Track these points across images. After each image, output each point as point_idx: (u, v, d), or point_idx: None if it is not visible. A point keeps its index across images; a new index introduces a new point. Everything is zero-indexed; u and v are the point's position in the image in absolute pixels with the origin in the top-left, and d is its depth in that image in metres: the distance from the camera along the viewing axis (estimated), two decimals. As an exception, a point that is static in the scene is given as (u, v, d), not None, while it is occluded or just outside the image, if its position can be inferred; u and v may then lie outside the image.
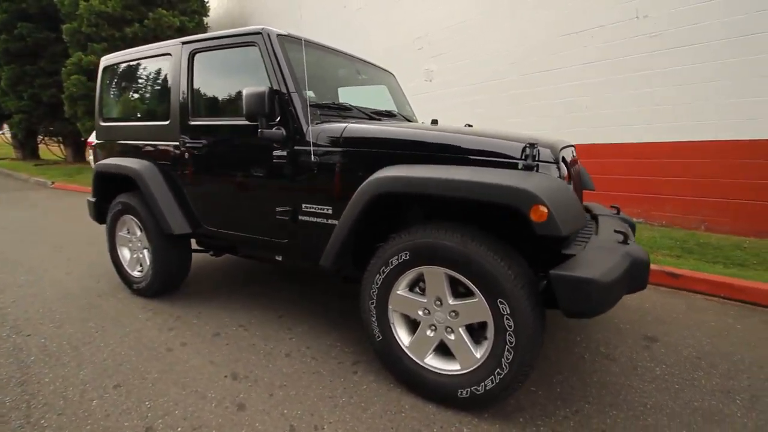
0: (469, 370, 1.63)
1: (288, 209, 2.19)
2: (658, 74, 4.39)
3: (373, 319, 1.83)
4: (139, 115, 2.90)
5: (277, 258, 2.49)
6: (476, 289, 1.56)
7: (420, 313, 1.75)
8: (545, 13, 5.24)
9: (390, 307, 1.80)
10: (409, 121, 2.90)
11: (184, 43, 2.54)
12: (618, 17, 4.61)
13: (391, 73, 3.41)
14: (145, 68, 2.84)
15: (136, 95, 2.94)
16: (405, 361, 1.78)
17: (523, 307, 1.47)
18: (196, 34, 11.76)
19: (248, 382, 1.92)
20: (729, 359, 2.10)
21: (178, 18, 10.50)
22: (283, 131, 2.11)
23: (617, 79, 4.68)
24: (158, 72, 2.74)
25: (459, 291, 1.67)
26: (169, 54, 2.61)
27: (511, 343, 1.50)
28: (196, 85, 2.51)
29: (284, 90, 2.11)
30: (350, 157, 1.96)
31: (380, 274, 1.77)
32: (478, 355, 1.62)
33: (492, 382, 1.56)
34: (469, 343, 1.64)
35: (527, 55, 5.45)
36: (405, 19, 7.18)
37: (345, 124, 2.03)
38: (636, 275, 1.57)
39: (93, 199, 3.17)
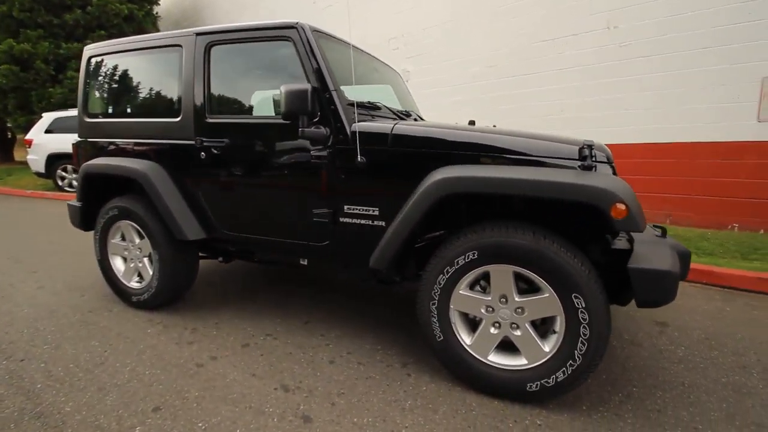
0: (537, 363, 1.69)
1: (327, 211, 2.11)
2: (627, 81, 4.78)
3: (434, 320, 1.82)
4: (138, 112, 2.65)
5: (301, 262, 2.41)
6: (548, 285, 1.61)
7: (483, 311, 1.77)
8: (522, 20, 5.50)
9: (451, 306, 1.81)
10: (422, 120, 2.91)
11: (198, 34, 2.35)
12: (590, 27, 4.96)
13: (396, 71, 3.40)
14: (145, 60, 2.59)
15: (133, 89, 2.68)
16: (468, 359, 1.80)
17: (597, 300, 1.54)
18: (146, 23, 10.97)
19: (302, 392, 1.83)
20: (733, 338, 2.35)
21: (126, 5, 9.69)
22: (324, 130, 2.03)
23: (590, 84, 5.03)
24: (164, 65, 2.52)
25: (521, 288, 1.72)
26: (179, 45, 2.41)
27: (584, 335, 1.57)
28: (213, 80, 2.34)
29: (324, 88, 2.04)
30: (401, 156, 1.94)
31: (444, 275, 1.77)
32: (546, 349, 1.67)
33: (564, 374, 1.63)
34: (536, 338, 1.69)
35: (505, 59, 5.68)
36: (378, 19, 7.19)
37: (392, 124, 2.01)
38: (683, 266, 1.72)
39: (78, 204, 2.85)
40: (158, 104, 2.56)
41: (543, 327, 1.74)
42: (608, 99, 4.89)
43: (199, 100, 2.35)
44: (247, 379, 1.93)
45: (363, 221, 2.06)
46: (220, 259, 2.74)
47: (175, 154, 2.47)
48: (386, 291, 3.04)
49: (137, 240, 2.68)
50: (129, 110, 2.68)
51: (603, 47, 4.86)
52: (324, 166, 2.08)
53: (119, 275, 2.79)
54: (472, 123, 2.53)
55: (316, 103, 2.00)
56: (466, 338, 1.82)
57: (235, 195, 2.35)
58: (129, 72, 2.68)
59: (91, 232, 2.86)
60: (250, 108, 2.31)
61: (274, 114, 2.31)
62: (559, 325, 1.63)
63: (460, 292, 1.78)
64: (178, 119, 2.43)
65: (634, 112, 4.76)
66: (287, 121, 2.05)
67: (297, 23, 2.10)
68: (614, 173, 1.77)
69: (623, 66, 4.75)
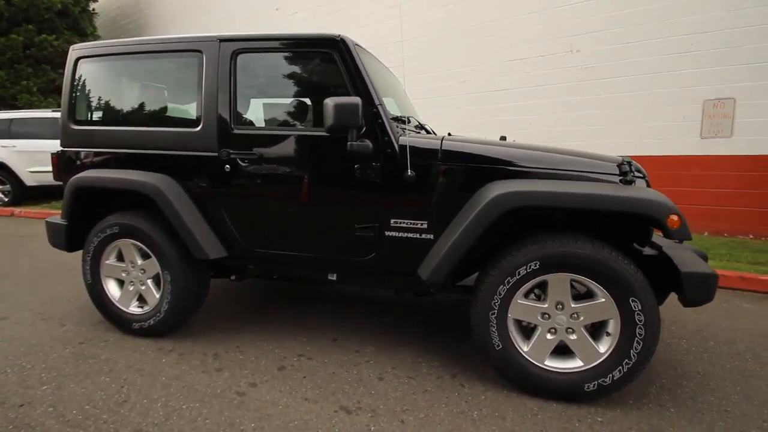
0: (593, 364, 1.80)
1: (373, 225, 2.09)
2: (588, 100, 5.27)
3: (494, 329, 1.87)
4: (143, 120, 2.41)
5: (329, 278, 2.35)
6: (605, 291, 1.74)
7: (539, 318, 1.86)
8: (492, 39, 5.85)
9: (509, 315, 1.87)
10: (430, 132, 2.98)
11: (222, 40, 2.22)
12: (555, 49, 5.41)
13: (398, 80, 3.45)
14: (154, 65, 2.38)
15: (137, 96, 2.44)
16: (527, 366, 1.87)
17: (651, 302, 1.70)
18: (82, 19, 9.96)
19: (366, 413, 1.78)
20: (719, 328, 2.68)
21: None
22: (369, 144, 2.02)
23: (556, 102, 5.47)
24: (178, 71, 2.33)
25: (573, 294, 1.84)
26: (199, 51, 2.25)
27: (640, 335, 1.72)
28: (240, 90, 2.22)
29: (371, 102, 2.03)
30: (452, 171, 1.98)
31: (504, 285, 1.83)
32: (602, 350, 1.80)
33: (620, 372, 1.76)
34: (591, 341, 1.81)
35: (478, 75, 5.99)
36: (347, 30, 7.22)
37: (439, 139, 2.05)
38: (704, 269, 1.94)
39: (64, 222, 2.51)
40: (171, 113, 2.36)
41: (597, 329, 1.86)
42: (572, 116, 5.36)
43: (223, 109, 2.21)
44: (302, 404, 1.84)
45: (410, 234, 2.06)
46: (233, 277, 2.57)
47: (192, 166, 2.29)
48: (402, 304, 3.04)
49: (139, 260, 2.43)
50: (131, 118, 2.44)
51: (567, 68, 5.33)
52: (370, 180, 2.06)
53: (114, 300, 2.50)
54: (503, 138, 2.64)
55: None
56: (523, 345, 1.89)
57: (265, 210, 2.24)
58: (132, 77, 2.44)
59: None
60: (289, 120, 2.22)
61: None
62: (614, 327, 1.77)
63: (519, 301, 1.86)
64: (198, 129, 2.26)
65: (594, 128, 5.26)
66: (330, 135, 2.01)
67: (340, 36, 2.08)
68: (648, 186, 1.97)
69: (585, 86, 5.23)
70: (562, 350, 1.88)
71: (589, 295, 1.82)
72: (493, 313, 1.86)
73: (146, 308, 2.45)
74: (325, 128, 1.96)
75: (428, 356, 2.28)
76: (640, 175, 1.95)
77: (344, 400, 1.88)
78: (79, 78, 2.51)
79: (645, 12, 4.72)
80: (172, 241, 2.31)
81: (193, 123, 2.28)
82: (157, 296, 2.41)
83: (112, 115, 2.50)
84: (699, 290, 1.67)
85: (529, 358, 1.87)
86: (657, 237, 2.17)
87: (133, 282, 2.47)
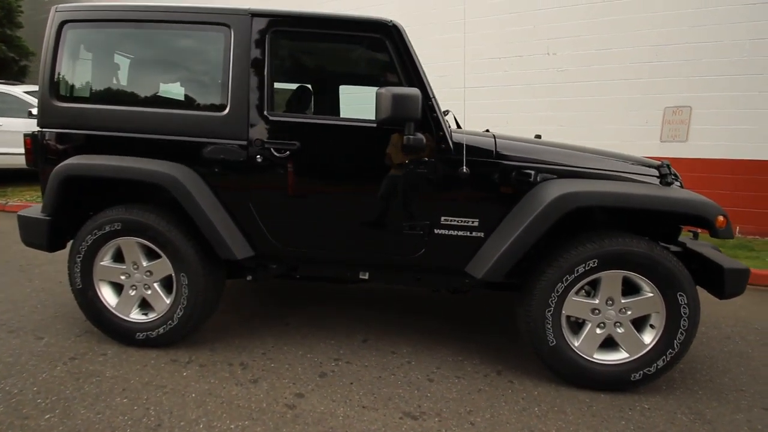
0: (638, 355, 1.91)
1: (423, 222, 2.02)
2: (563, 101, 5.58)
3: (549, 326, 1.90)
4: (151, 100, 2.10)
5: (361, 276, 2.25)
6: (654, 286, 1.84)
7: (589, 313, 1.93)
8: (471, 36, 5.95)
9: (563, 312, 1.92)
10: None
11: (255, 15, 1.98)
12: (533, 51, 5.64)
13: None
14: (167, 36, 2.06)
15: (143, 72, 2.11)
16: (577, 360, 1.93)
17: (694, 295, 1.83)
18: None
19: (432, 417, 1.73)
20: (702, 314, 2.99)
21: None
22: (424, 138, 1.94)
23: (532, 101, 5.72)
24: (200, 45, 2.05)
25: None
26: (226, 25, 1.99)
27: (684, 326, 1.85)
28: (275, 72, 2.01)
29: (425, 94, 1.94)
30: (506, 170, 1.97)
31: (562, 282, 1.86)
32: (647, 341, 1.91)
33: (663, 361, 1.88)
34: (637, 333, 1.92)
35: (456, 70, 6.06)
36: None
37: (491, 137, 2.03)
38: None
39: (45, 217, 2.11)
40: (189, 93, 2.08)
41: (637, 322, 1.97)
42: (547, 115, 5.64)
43: (256, 93, 1.99)
44: (363, 413, 1.73)
45: (461, 232, 2.03)
46: (249, 278, 2.35)
47: (215, 155, 2.04)
48: (422, 300, 3.00)
49: (145, 262, 2.12)
50: (135, 97, 2.11)
51: (544, 70, 5.58)
52: (422, 175, 1.98)
53: (110, 307, 2.16)
54: (538, 137, 2.68)
55: None
56: (573, 340, 1.95)
57: (302, 206, 2.06)
58: (139, 49, 2.10)
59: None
60: (332, 108, 2.05)
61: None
62: (659, 320, 1.89)
63: (573, 298, 1.91)
64: (224, 113, 2.01)
65: (566, 128, 5.58)
66: (381, 126, 1.91)
67: (391, 22, 1.96)
68: (682, 187, 2.12)
69: (560, 88, 5.53)
70: (607, 343, 1.97)
71: (635, 290, 1.92)
72: (549, 311, 1.90)
73: (153, 315, 2.15)
74: (379, 119, 1.86)
75: (467, 354, 2.27)
76: (676, 177, 2.09)
77: (404, 405, 1.80)
78: (66, 46, 2.11)
79: (615, 21, 5.08)
80: (190, 240, 2.05)
81: (219, 106, 2.03)
82: (168, 301, 2.13)
83: (109, 93, 2.14)
84: (737, 284, 1.84)
85: (580, 353, 1.94)
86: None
87: (136, 286, 2.15)
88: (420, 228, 2.03)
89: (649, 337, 1.92)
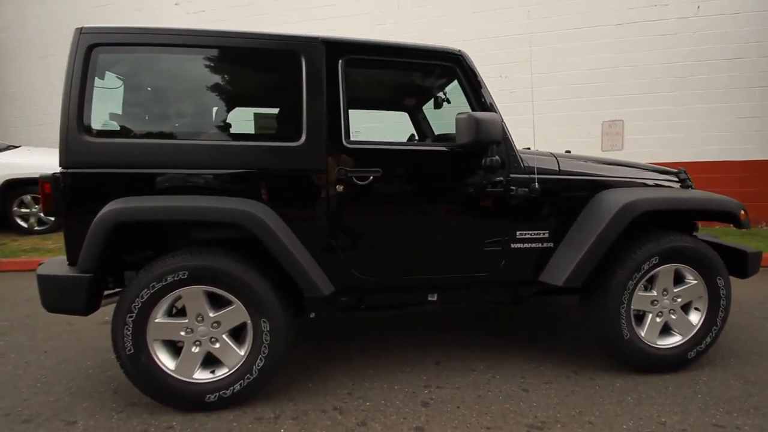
0: (690, 336, 2.20)
1: (502, 238, 2.11)
2: (515, 120, 6.13)
3: (623, 322, 2.10)
4: (209, 131, 1.90)
5: (429, 299, 2.27)
6: (698, 274, 2.16)
7: (650, 305, 2.18)
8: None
9: (632, 307, 2.14)
10: None
11: (326, 43, 1.92)
12: (487, 74, 6.15)
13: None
14: (227, 63, 1.89)
15: (199, 101, 1.90)
16: (645, 349, 2.16)
17: (727, 276, 2.19)
18: None
19: (554, 424, 1.79)
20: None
21: None
22: (500, 159, 2.05)
23: (488, 120, 6.22)
24: (266, 72, 1.92)
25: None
26: (296, 52, 1.90)
27: (723, 306, 2.18)
28: (349, 99, 1.96)
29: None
30: (568, 184, 2.18)
31: (632, 280, 2.09)
32: (695, 323, 2.21)
33: (710, 338, 2.19)
34: (687, 317, 2.22)
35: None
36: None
37: (550, 155, 2.22)
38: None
39: (85, 274, 1.75)
40: (256, 122, 1.93)
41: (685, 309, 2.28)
42: (504, 132, 6.17)
43: (332, 121, 1.93)
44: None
45: (534, 245, 2.16)
46: (313, 315, 2.22)
47: (289, 186, 1.92)
48: (461, 316, 3.06)
49: (211, 312, 1.88)
50: (190, 129, 1.89)
51: (498, 91, 6.11)
52: (499, 194, 2.09)
53: (169, 370, 1.87)
54: (568, 152, 2.93)
55: None
56: (640, 332, 2.18)
57: (386, 232, 2.02)
58: (193, 77, 1.89)
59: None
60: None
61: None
62: (702, 303, 2.21)
63: (639, 293, 2.14)
64: (298, 143, 1.90)
65: (525, 143, 6.16)
66: (462, 150, 1.99)
67: (460, 51, 2.06)
68: (693, 188, 2.52)
69: (512, 108, 6.10)
70: (663, 329, 2.24)
71: (680, 279, 2.23)
72: (623, 307, 2.10)
73: (223, 372, 1.90)
74: (463, 143, 1.94)
75: (537, 361, 2.37)
76: (689, 179, 2.48)
77: (521, 418, 1.85)
78: (98, 73, 1.82)
79: (555, 49, 5.82)
80: (269, 282, 1.88)
81: (290, 136, 1.91)
82: (242, 353, 1.90)
83: (157, 125, 1.89)
84: (756, 266, 2.24)
85: (646, 342, 2.18)
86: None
87: (200, 341, 1.89)
88: (499, 244, 2.12)
89: (696, 319, 2.23)
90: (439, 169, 2.05)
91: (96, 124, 1.84)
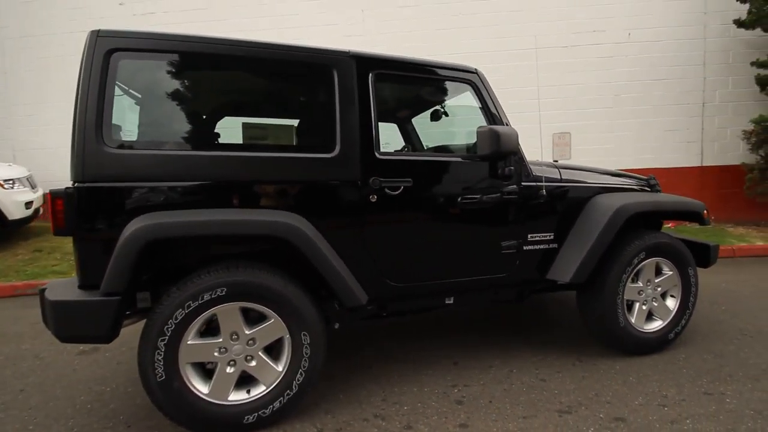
0: (669, 319, 2.52)
1: (516, 242, 2.29)
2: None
3: (620, 311, 2.35)
4: (240, 143, 1.84)
5: (447, 302, 2.40)
6: (675, 267, 2.50)
7: (637, 295, 2.47)
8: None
9: (625, 298, 2.41)
10: None
11: (355, 57, 1.97)
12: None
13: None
14: (254, 74, 1.85)
15: (227, 110, 1.82)
16: (636, 334, 2.43)
17: (696, 268, 2.56)
18: None
19: (580, 407, 1.97)
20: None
21: None
22: (514, 169, 2.23)
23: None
24: (298, 83, 1.91)
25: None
26: (328, 66, 1.92)
27: (693, 292, 2.54)
28: (379, 111, 2.02)
29: (507, 130, 2.25)
30: (568, 191, 2.43)
31: (626, 274, 2.36)
32: (671, 308, 2.55)
33: (685, 321, 2.53)
34: (666, 303, 2.55)
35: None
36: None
37: (552, 166, 2.45)
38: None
39: (111, 298, 1.60)
40: (288, 133, 1.90)
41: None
42: (466, 142, 6.53)
43: (365, 132, 1.97)
44: (529, 421, 1.87)
45: (542, 246, 2.37)
46: (337, 325, 2.22)
47: (324, 196, 1.92)
48: (453, 318, 3.19)
49: (247, 329, 1.82)
50: (218, 139, 1.82)
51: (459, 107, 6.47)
52: (514, 201, 2.26)
53: (203, 395, 1.76)
54: (555, 161, 3.18)
55: None
56: (631, 319, 2.47)
57: (416, 240, 2.10)
58: (223, 86, 1.83)
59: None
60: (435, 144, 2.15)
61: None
62: (677, 291, 2.55)
63: (629, 284, 2.43)
64: (333, 155, 1.92)
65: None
66: (482, 160, 2.14)
67: (476, 69, 2.21)
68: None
69: (474, 118, 6.49)
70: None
71: (659, 272, 2.56)
72: (619, 298, 2.37)
73: (260, 390, 1.84)
74: (485, 154, 2.09)
75: (542, 354, 2.56)
76: (658, 184, 2.86)
77: (551, 405, 2.01)
78: (118, 80, 1.69)
79: (509, 68, 6.31)
80: (307, 294, 1.86)
81: (324, 147, 1.92)
82: (280, 369, 1.86)
83: (185, 136, 1.79)
84: (715, 257, 2.64)
85: (636, 328, 2.47)
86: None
87: (235, 360, 1.81)
88: (514, 247, 2.29)
89: (672, 305, 2.57)
90: (464, 179, 2.18)
91: (117, 134, 1.71)
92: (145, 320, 1.97)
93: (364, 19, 6.57)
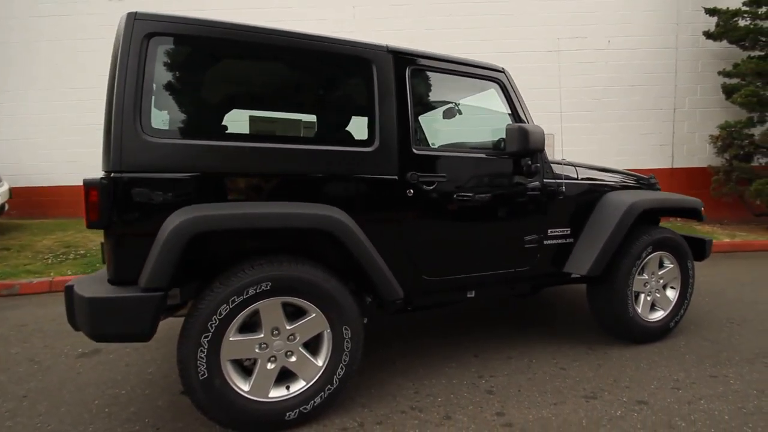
0: (669, 310, 2.69)
1: (538, 236, 2.37)
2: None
3: (629, 302, 2.50)
4: (283, 135, 1.80)
5: (468, 295, 2.46)
6: (675, 260, 2.67)
7: (643, 287, 2.63)
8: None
9: (633, 289, 2.56)
10: None
11: (393, 52, 1.97)
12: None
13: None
14: (301, 64, 1.81)
15: (270, 102, 1.78)
16: (643, 323, 2.59)
17: (694, 265, 2.75)
18: None
19: (602, 393, 2.08)
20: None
21: None
22: (539, 166, 2.32)
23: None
24: (337, 76, 1.88)
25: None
26: (367, 60, 1.91)
27: (691, 284, 2.73)
28: (416, 106, 2.03)
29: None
30: (583, 188, 2.54)
31: (635, 267, 2.50)
32: (671, 298, 2.73)
33: (684, 310, 2.72)
34: (667, 294, 2.72)
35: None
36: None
37: (567, 164, 2.56)
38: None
39: (153, 294, 1.52)
40: (328, 126, 1.88)
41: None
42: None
43: (403, 127, 1.98)
44: (559, 408, 1.95)
45: (560, 241, 2.47)
46: (366, 320, 2.22)
47: (363, 190, 1.92)
48: (463, 314, 3.26)
49: (288, 324, 1.79)
50: (263, 130, 1.77)
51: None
52: (537, 197, 2.34)
53: (244, 393, 1.72)
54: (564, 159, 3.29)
55: None
56: (638, 309, 2.62)
57: (450, 235, 2.13)
58: (261, 76, 1.77)
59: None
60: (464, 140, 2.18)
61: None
62: (677, 282, 2.73)
63: (637, 277, 2.57)
64: (372, 149, 1.92)
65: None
66: (510, 157, 2.21)
67: (503, 68, 2.27)
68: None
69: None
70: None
71: (660, 264, 2.73)
72: (629, 289, 2.51)
73: (300, 386, 1.82)
74: (513, 151, 2.16)
75: (556, 344, 2.67)
76: (659, 185, 3.04)
77: (575, 392, 2.10)
78: (158, 65, 1.61)
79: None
80: (346, 288, 1.85)
81: (364, 141, 1.92)
82: (320, 363, 1.84)
83: (221, 125, 1.73)
84: (709, 251, 2.85)
85: (643, 318, 2.62)
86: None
87: (275, 356, 1.78)
88: (536, 241, 2.37)
89: (672, 295, 2.75)
90: (494, 175, 2.24)
91: (157, 122, 1.63)
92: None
93: (354, 15, 6.53)
